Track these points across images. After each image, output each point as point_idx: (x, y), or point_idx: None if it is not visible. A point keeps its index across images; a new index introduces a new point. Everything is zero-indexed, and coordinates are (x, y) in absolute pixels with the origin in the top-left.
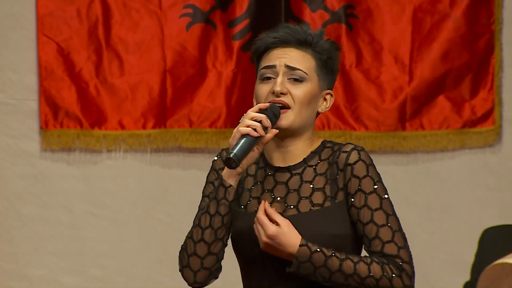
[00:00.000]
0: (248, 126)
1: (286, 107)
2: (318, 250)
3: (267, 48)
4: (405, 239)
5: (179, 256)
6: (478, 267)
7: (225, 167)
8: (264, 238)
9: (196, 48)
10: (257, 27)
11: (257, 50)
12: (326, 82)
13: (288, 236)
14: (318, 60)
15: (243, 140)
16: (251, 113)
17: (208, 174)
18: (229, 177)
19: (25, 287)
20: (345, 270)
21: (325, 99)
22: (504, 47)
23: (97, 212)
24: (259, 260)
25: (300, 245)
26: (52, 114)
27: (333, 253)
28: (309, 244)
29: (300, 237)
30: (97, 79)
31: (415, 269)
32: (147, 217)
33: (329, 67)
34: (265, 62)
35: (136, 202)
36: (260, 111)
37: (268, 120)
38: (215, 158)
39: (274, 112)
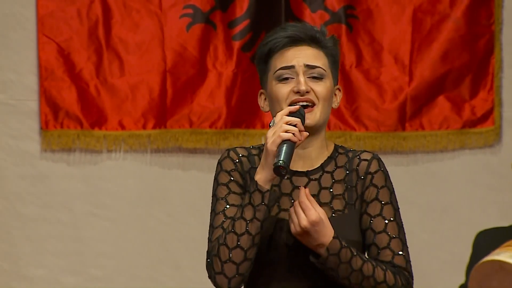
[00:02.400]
0: (286, 131)
1: (311, 105)
2: (347, 246)
3: (281, 48)
4: (409, 252)
5: (208, 263)
6: None
7: (256, 173)
8: (304, 223)
9: (196, 48)
10: (257, 28)
11: (272, 51)
12: (335, 78)
13: (326, 225)
14: (329, 56)
15: (285, 146)
16: (286, 117)
17: (217, 176)
18: (265, 182)
19: (25, 287)
20: (364, 271)
21: (335, 95)
22: (504, 48)
23: (97, 212)
24: (283, 262)
25: (333, 237)
26: (52, 114)
27: (357, 253)
28: (340, 239)
29: (333, 230)
30: (98, 79)
31: (415, 269)
32: (147, 217)
33: (336, 63)
34: (280, 63)
35: (136, 202)
36: (290, 113)
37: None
38: (224, 158)
39: (302, 114)
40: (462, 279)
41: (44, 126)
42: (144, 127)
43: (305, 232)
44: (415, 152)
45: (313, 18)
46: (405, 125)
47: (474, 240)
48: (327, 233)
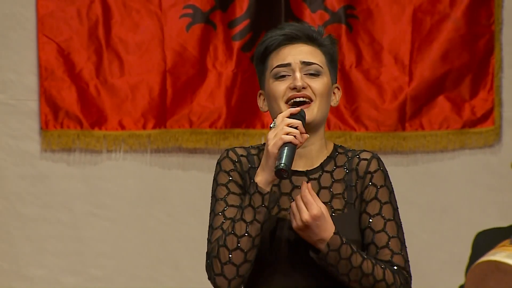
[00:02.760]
0: (288, 134)
1: (308, 101)
2: (347, 242)
3: (277, 46)
4: (407, 252)
5: (208, 264)
6: None
7: (257, 175)
8: (306, 217)
9: (196, 48)
10: (257, 28)
11: (268, 49)
12: (333, 76)
13: (328, 221)
14: (327, 54)
15: (287, 149)
16: (287, 119)
17: (217, 176)
18: (266, 184)
19: (25, 287)
20: (364, 268)
21: (334, 93)
22: (504, 48)
23: (97, 212)
24: (284, 261)
25: (334, 233)
26: (52, 114)
27: (357, 250)
28: (341, 235)
29: (334, 225)
30: (97, 79)
31: (415, 269)
32: (147, 217)
33: (334, 61)
34: (277, 61)
35: (136, 202)
36: (291, 115)
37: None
38: (223, 158)
39: (303, 116)
40: (461, 279)
41: (44, 126)
42: (144, 127)
43: (306, 226)
44: (415, 152)
45: (313, 18)
46: (405, 125)
47: (474, 240)
48: (328, 228)
